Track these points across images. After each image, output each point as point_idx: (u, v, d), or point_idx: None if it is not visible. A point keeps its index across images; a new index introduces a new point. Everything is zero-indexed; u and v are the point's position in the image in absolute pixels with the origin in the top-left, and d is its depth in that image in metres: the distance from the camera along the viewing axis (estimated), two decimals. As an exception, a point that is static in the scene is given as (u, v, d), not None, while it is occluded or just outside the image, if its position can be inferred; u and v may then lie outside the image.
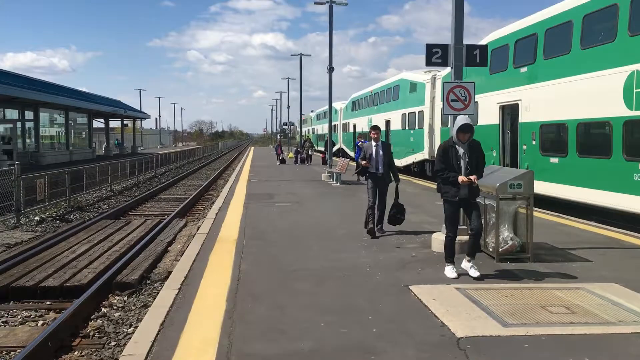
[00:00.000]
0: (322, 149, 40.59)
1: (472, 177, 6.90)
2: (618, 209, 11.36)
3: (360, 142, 21.98)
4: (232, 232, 10.58)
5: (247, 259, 8.28)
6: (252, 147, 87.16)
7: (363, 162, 10.09)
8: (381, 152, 10.05)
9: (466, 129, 6.97)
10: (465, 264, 7.21)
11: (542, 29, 14.26)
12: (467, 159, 7.02)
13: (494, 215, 7.97)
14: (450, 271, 7.16)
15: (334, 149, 43.97)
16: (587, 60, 12.37)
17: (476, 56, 8.68)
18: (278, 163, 36.09)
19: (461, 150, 7.05)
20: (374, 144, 10.13)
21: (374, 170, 10.08)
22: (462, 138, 7.02)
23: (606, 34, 11.82)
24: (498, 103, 16.43)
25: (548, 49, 14.03)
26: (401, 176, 27.08)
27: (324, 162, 31.95)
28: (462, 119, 7.07)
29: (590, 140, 12.64)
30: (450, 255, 7.26)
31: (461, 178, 6.89)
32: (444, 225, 8.83)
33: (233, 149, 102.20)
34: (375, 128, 10.33)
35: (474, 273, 7.03)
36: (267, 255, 8.57)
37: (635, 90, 10.78)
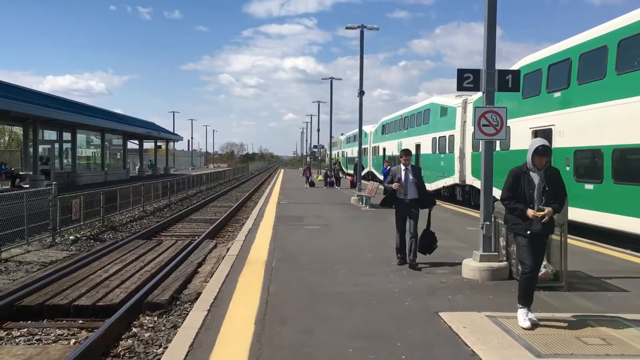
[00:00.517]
0: (352, 172, 40.51)
1: (546, 210, 5.95)
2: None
3: (388, 167, 21.76)
4: (261, 254, 10.62)
5: (276, 281, 8.29)
6: (282, 170, 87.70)
7: (395, 185, 9.34)
8: (411, 177, 9.36)
9: (543, 152, 6.02)
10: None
11: (577, 54, 14.12)
12: (542, 189, 6.07)
13: (526, 242, 7.82)
14: (522, 317, 6.02)
15: (364, 172, 43.97)
16: (623, 86, 12.18)
17: (508, 81, 8.63)
18: (306, 186, 35.45)
19: (537, 178, 6.11)
20: (402, 167, 9.46)
21: (402, 196, 9.37)
22: (539, 163, 6.06)
23: (642, 59, 11.64)
24: (531, 128, 16.25)
25: (582, 74, 13.87)
26: (431, 200, 26.62)
27: (353, 185, 31.80)
28: (538, 141, 6.17)
29: (626, 166, 12.37)
30: (526, 296, 6.10)
31: (531, 212, 5.95)
32: (474, 251, 8.76)
33: (263, 171, 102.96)
34: (406, 153, 9.63)
35: (524, 323, 5.99)
36: (296, 278, 8.58)
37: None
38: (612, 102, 12.50)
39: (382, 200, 9.87)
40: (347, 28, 24.67)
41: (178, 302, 8.79)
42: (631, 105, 11.80)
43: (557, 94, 14.95)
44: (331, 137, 59.38)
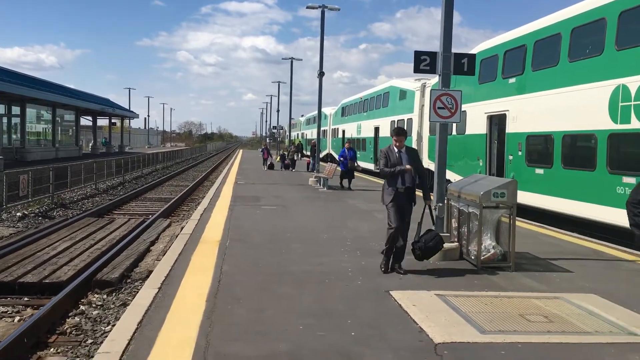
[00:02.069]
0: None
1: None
2: (601, 221, 11.46)
3: (347, 149, 21.70)
4: (215, 233, 10.53)
5: (229, 260, 8.23)
6: (241, 150, 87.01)
7: (407, 166, 7.54)
8: (404, 160, 7.66)
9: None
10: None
11: (531, 41, 14.38)
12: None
13: (476, 223, 8.00)
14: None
15: (323, 154, 44.02)
16: (575, 73, 12.49)
17: (464, 65, 8.74)
18: (265, 168, 33.24)
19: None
20: (396, 150, 7.71)
21: (399, 184, 7.66)
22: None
23: (594, 47, 11.94)
24: (486, 113, 16.54)
25: (536, 61, 14.16)
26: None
27: (309, 167, 31.44)
28: None
29: (575, 152, 12.74)
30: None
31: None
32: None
33: (221, 151, 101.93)
34: (398, 132, 7.76)
35: None
36: (250, 257, 8.53)
37: (620, 104, 10.90)
38: (564, 89, 12.81)
39: (385, 197, 7.79)
40: (307, 7, 24.49)
41: (129, 281, 8.65)
42: (582, 93, 12.13)
43: (512, 80, 15.24)
44: (290, 118, 59.25)
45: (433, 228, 8.19)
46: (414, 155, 7.85)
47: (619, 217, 10.75)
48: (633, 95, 10.53)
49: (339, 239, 10.28)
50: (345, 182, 21.19)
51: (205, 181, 30.31)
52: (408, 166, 7.57)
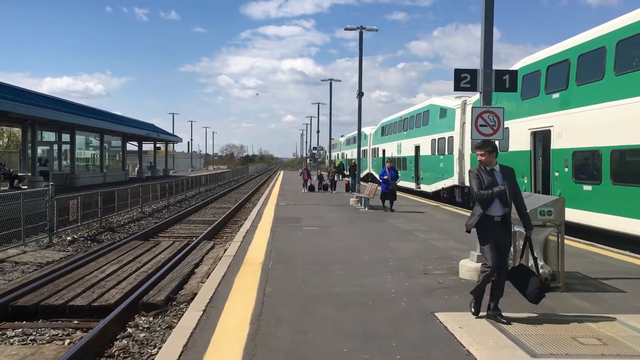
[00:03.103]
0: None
1: None
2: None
3: (389, 169, 20.99)
4: (258, 255, 10.59)
5: (272, 282, 8.25)
6: (282, 171, 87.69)
7: (496, 189, 6.23)
8: (499, 180, 6.32)
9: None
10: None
11: (575, 55, 14.10)
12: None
13: (522, 242, 7.79)
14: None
15: (363, 173, 43.93)
16: (621, 87, 12.16)
17: (505, 81, 8.62)
18: (304, 191, 31.53)
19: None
20: (487, 168, 6.39)
21: (493, 211, 6.26)
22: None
23: (640, 60, 11.62)
24: (529, 129, 16.23)
25: (581, 75, 13.86)
26: (430, 202, 26.72)
27: (348, 188, 30.94)
28: None
29: (624, 167, 12.35)
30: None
31: None
32: (471, 252, 8.74)
33: (263, 173, 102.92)
34: (484, 146, 6.48)
35: None
36: (292, 279, 8.54)
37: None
38: (610, 102, 12.48)
39: (471, 220, 6.47)
40: (346, 29, 24.73)
41: (174, 303, 8.75)
42: (629, 106, 11.78)
43: (556, 95, 14.93)
44: (330, 138, 59.46)
45: (532, 267, 6.68)
46: (510, 175, 6.40)
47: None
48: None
49: (382, 259, 10.19)
50: (387, 203, 20.58)
51: (247, 203, 30.61)
52: (497, 188, 6.21)
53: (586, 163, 13.79)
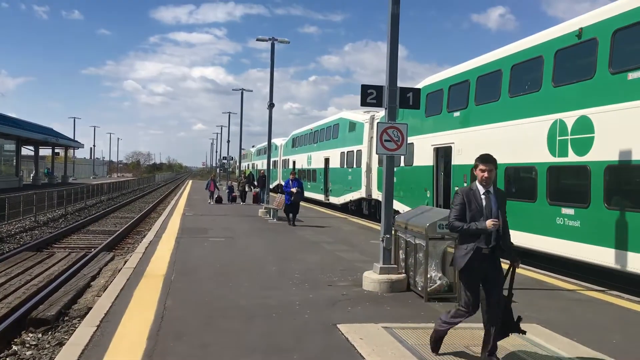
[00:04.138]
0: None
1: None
2: (543, 251, 11.77)
3: (292, 180, 19.48)
4: (160, 267, 10.24)
5: (174, 295, 8.00)
6: (190, 181, 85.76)
7: (489, 223, 5.12)
8: (494, 207, 5.30)
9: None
10: None
11: (474, 76, 14.87)
12: None
13: (422, 254, 8.07)
14: None
15: (274, 185, 43.87)
16: (515, 108, 12.95)
17: (409, 98, 8.93)
18: (211, 202, 29.62)
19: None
20: (481, 189, 5.34)
21: (480, 242, 5.23)
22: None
23: (532, 83, 12.44)
24: (432, 145, 16.90)
25: (479, 96, 14.62)
26: (338, 214, 26.94)
27: (256, 200, 30.24)
28: None
29: (517, 184, 13.13)
30: None
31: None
32: (375, 264, 8.94)
33: (170, 182, 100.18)
34: (490, 161, 5.42)
35: None
36: (196, 291, 8.32)
37: (558, 138, 11.34)
38: (505, 122, 13.24)
39: (460, 254, 5.35)
40: (258, 40, 24.66)
41: (66, 318, 8.28)
42: (522, 127, 12.56)
43: (457, 114, 15.66)
44: (241, 148, 59.05)
45: (511, 299, 5.58)
46: (504, 201, 5.48)
47: (558, 247, 11.09)
48: (570, 129, 10.98)
49: (288, 271, 10.18)
50: (290, 216, 19.34)
51: (152, 213, 29.64)
52: (494, 222, 5.11)
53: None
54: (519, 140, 12.61)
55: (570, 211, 10.82)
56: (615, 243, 9.67)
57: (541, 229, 11.67)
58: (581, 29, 10.81)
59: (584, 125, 10.54)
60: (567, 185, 11.58)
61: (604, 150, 10.04)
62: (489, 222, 5.11)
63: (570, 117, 10.96)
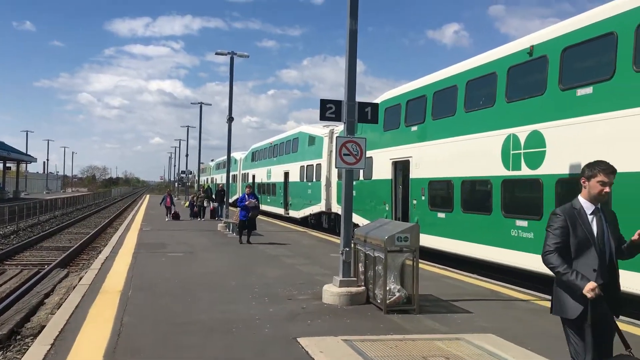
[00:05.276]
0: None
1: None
2: (498, 262, 12.05)
3: (248, 194, 17.97)
4: (117, 282, 10.04)
5: (131, 311, 7.86)
6: (148, 195, 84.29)
7: (589, 288, 3.80)
8: (606, 232, 4.09)
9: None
10: None
11: (431, 92, 15.21)
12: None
13: (381, 267, 8.17)
14: None
15: (233, 199, 43.56)
16: (470, 123, 13.29)
17: (368, 113, 9.06)
18: (168, 219, 27.87)
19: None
20: (589, 208, 4.10)
21: (593, 278, 3.89)
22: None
23: (487, 99, 12.81)
24: (391, 159, 17.15)
25: (436, 110, 14.95)
26: (298, 228, 26.85)
27: (213, 214, 29.56)
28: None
29: (473, 197, 13.43)
30: None
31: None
32: (334, 277, 8.99)
33: (127, 197, 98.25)
34: (611, 171, 4.08)
35: None
36: (154, 307, 8.20)
37: (511, 152, 11.68)
38: (461, 137, 13.56)
39: (562, 295, 4.06)
40: (216, 54, 24.67)
41: (18, 337, 8.02)
42: (477, 141, 12.89)
43: (414, 128, 15.96)
44: (200, 162, 58.45)
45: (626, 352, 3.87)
46: (614, 225, 4.18)
47: (513, 258, 11.38)
48: (522, 144, 11.33)
49: (247, 285, 10.13)
50: (244, 234, 17.75)
51: (108, 228, 29.01)
52: (593, 288, 3.77)
53: (440, 192, 14.81)
54: (475, 154, 12.93)
55: (524, 223, 11.13)
56: (566, 254, 9.99)
57: (497, 241, 11.96)
58: (532, 46, 11.22)
59: (536, 139, 10.91)
60: (520, 198, 11.92)
61: (555, 163, 10.40)
62: (588, 287, 3.78)
63: (523, 132, 11.32)
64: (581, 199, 4.12)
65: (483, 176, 12.66)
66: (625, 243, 4.06)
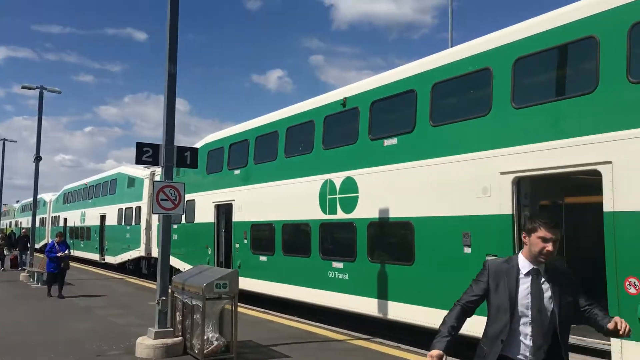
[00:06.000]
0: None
1: None
2: (317, 304, 12.41)
3: (57, 243, 15.99)
4: None
5: None
6: None
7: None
8: (546, 302, 3.41)
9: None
10: None
11: (253, 136, 15.48)
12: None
13: (199, 315, 7.95)
14: None
15: (41, 244, 39.60)
16: (291, 168, 13.72)
17: (187, 157, 8.92)
18: None
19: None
20: (526, 267, 3.50)
21: (514, 353, 3.37)
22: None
23: (305, 145, 13.36)
24: (214, 202, 16.98)
25: (258, 155, 15.21)
26: (114, 274, 25.26)
27: (14, 264, 26.10)
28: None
29: (293, 240, 13.77)
30: None
31: None
32: (149, 328, 8.54)
33: None
34: (554, 226, 3.43)
35: None
36: None
37: (328, 197, 12.26)
38: (281, 181, 13.93)
39: None
40: (23, 87, 22.63)
41: None
42: (297, 186, 13.32)
43: (237, 172, 16.04)
44: (0, 204, 52.51)
45: None
46: (568, 287, 3.49)
47: (330, 299, 11.82)
48: (338, 189, 11.97)
49: (51, 342, 9.19)
50: (54, 288, 15.75)
51: None
52: (433, 354, 3.34)
53: (262, 235, 14.96)
54: (295, 198, 13.34)
55: (340, 265, 11.66)
56: (377, 293, 10.64)
57: (316, 282, 12.33)
58: (345, 98, 12.00)
59: (350, 185, 11.59)
60: (336, 240, 12.48)
61: (366, 208, 11.11)
62: (429, 354, 3.33)
63: (338, 178, 11.96)
64: (520, 256, 3.54)
65: (302, 219, 13.07)
66: (586, 309, 3.47)
